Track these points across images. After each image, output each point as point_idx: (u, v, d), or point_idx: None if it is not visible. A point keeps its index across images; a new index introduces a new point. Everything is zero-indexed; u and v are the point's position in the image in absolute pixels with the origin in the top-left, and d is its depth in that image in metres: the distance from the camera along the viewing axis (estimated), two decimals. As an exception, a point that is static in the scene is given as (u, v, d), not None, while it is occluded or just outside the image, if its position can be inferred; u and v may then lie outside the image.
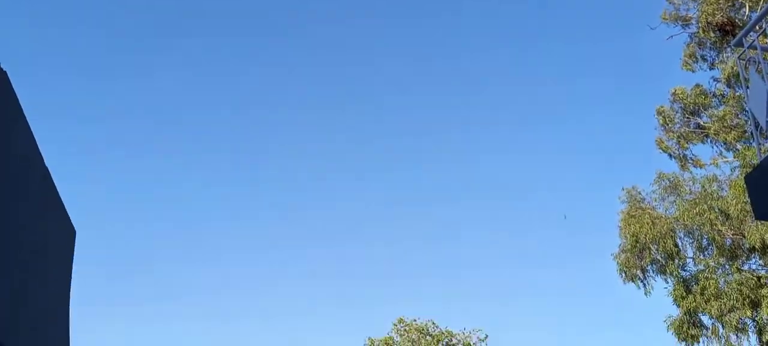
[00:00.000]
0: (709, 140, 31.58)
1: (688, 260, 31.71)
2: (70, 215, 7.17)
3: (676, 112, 32.28)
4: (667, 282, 31.93)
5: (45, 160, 6.30)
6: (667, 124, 32.22)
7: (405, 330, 48.61)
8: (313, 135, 73.03)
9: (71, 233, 7.23)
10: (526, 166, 70.19)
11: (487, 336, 48.20)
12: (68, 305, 6.89)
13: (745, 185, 5.80)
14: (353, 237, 73.68)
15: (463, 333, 48.37)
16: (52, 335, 6.56)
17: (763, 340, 30.01)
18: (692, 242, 31.29)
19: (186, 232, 73.21)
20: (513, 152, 70.78)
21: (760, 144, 6.79)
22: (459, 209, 72.31)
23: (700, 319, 31.58)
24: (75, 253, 7.08)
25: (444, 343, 48.29)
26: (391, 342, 48.70)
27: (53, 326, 6.60)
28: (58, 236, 6.94)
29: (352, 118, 74.41)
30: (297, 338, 71.08)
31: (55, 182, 6.66)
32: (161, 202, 72.82)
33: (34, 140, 6.07)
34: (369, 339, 49.01)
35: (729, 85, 30.61)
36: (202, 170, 73.46)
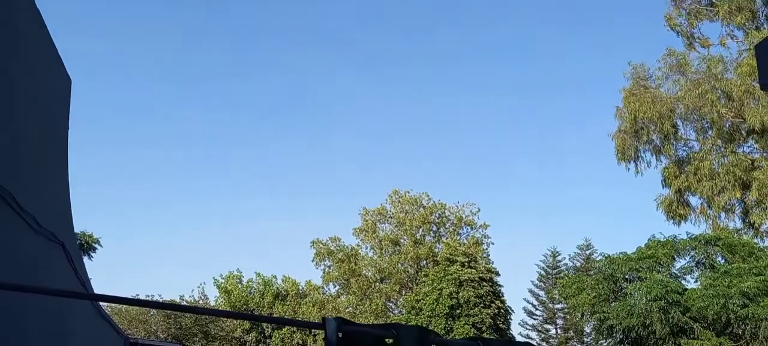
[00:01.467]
0: (717, 20, 30.89)
1: (685, 141, 31.92)
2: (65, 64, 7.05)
3: None
4: (660, 162, 32.29)
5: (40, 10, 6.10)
6: (678, 1, 31.42)
7: (399, 201, 49.66)
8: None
9: (67, 81, 7.13)
10: (531, 33, 69.30)
11: (479, 209, 49.39)
12: (66, 151, 6.89)
13: (754, 54, 5.67)
14: (350, 109, 73.84)
15: (457, 206, 49.55)
16: (52, 178, 6.61)
17: (748, 220, 30.74)
18: (692, 123, 31.37)
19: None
20: (517, 17, 69.63)
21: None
22: (457, 77, 71.96)
23: (689, 199, 32.21)
24: (71, 101, 7.02)
25: (436, 215, 49.48)
26: (384, 212, 49.91)
27: (53, 170, 6.63)
28: (54, 85, 6.84)
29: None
30: (294, 204, 72.77)
31: (49, 31, 6.49)
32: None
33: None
34: (364, 209, 50.28)
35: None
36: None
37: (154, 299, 42.22)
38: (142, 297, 42.74)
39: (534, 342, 47.47)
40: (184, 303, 44.16)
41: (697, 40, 31.31)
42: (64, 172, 6.92)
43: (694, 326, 24.69)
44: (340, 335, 3.91)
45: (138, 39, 70.73)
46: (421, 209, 49.23)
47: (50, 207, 6.53)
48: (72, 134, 7.26)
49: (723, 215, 31.01)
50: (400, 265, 47.80)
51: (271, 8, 71.03)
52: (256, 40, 72.38)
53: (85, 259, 28.12)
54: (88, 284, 8.12)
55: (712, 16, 30.59)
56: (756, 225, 30.02)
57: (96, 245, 31.21)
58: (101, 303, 8.81)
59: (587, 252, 48.53)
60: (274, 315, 44.54)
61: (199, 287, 49.05)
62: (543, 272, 50.87)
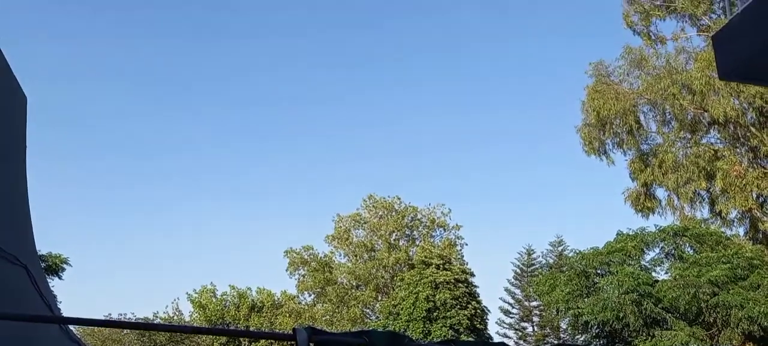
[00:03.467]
0: (674, 16, 31.43)
1: (650, 135, 32.41)
2: (19, 81, 6.87)
3: None
4: (626, 156, 32.75)
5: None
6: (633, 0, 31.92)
7: (373, 206, 49.63)
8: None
9: (22, 100, 6.96)
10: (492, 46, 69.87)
11: (450, 210, 49.55)
12: (25, 171, 6.72)
13: (712, 44, 5.77)
14: (328, 119, 73.62)
15: (428, 208, 49.64)
16: (10, 200, 6.43)
17: (715, 210, 31.32)
18: (655, 116, 31.90)
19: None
20: (478, 35, 70.23)
21: (730, 4, 6.68)
22: (420, 90, 72.28)
23: (656, 192, 32.72)
24: (28, 119, 6.84)
25: (409, 218, 49.55)
26: (358, 218, 49.81)
27: (11, 192, 6.46)
28: (9, 103, 6.67)
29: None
30: (269, 212, 72.28)
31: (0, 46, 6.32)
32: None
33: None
34: (337, 215, 50.11)
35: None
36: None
37: (127, 316, 41.49)
38: (114, 316, 42.11)
39: (510, 341, 47.74)
40: (157, 320, 43.56)
41: (654, 37, 31.88)
42: (24, 192, 6.74)
43: (667, 317, 25.04)
44: (312, 344, 3.87)
45: (90, 41, 69.46)
46: (394, 213, 49.27)
47: (10, 229, 6.35)
48: (33, 153, 7.09)
49: (689, 206, 31.54)
50: (375, 270, 47.73)
51: (237, 9, 70.59)
52: (223, 44, 71.92)
53: (55, 279, 27.55)
54: (54, 305, 7.91)
55: (667, 14, 31.18)
56: (723, 214, 30.60)
57: (65, 265, 30.58)
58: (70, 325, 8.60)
59: (560, 249, 48.94)
60: (251, 328, 44.14)
61: (173, 302, 48.36)
62: (518, 271, 51.16)
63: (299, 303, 48.77)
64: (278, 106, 72.40)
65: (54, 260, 28.94)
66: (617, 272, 26.24)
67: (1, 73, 6.39)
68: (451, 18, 72.18)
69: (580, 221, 71.14)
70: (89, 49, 69.62)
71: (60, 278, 29.78)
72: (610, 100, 30.89)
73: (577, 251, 30.57)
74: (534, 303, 49.06)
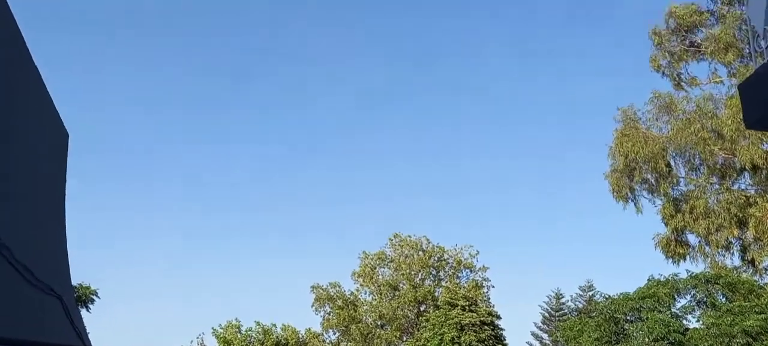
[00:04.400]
0: (703, 60, 31.30)
1: (679, 180, 32.02)
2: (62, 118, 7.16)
3: (672, 31, 31.82)
4: (655, 203, 32.31)
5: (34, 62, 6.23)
6: (662, 44, 31.85)
7: (399, 245, 49.51)
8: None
9: (64, 136, 7.23)
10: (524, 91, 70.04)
11: (478, 252, 49.22)
12: (64, 205, 6.95)
13: (738, 93, 5.80)
14: (352, 155, 74.13)
15: (455, 249, 49.35)
16: (49, 232, 6.65)
17: (747, 258, 30.66)
18: (684, 162, 31.53)
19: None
20: (508, 79, 70.49)
21: (756, 52, 6.72)
22: (455, 131, 72.47)
23: (687, 238, 32.15)
24: (69, 154, 7.10)
25: (436, 258, 49.29)
26: (384, 256, 49.70)
27: (50, 224, 6.68)
28: (52, 139, 6.94)
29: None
30: (297, 250, 72.45)
31: (45, 83, 6.61)
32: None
33: (24, 42, 5.97)
34: (363, 252, 50.07)
35: (728, 2, 30.11)
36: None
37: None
38: (140, 349, 42.53)
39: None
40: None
41: (684, 80, 31.71)
42: (62, 225, 6.97)
43: (699, 366, 24.43)
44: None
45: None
46: (421, 252, 49.07)
47: (47, 260, 6.56)
48: (70, 187, 7.34)
49: (721, 253, 30.94)
50: (399, 310, 47.42)
51: (271, 33, 71.71)
52: (244, 70, 72.96)
53: (84, 311, 27.90)
54: (85, 337, 8.09)
55: (698, 57, 31.03)
56: (755, 263, 29.94)
57: (94, 297, 30.97)
58: (98, 356, 8.76)
59: (589, 293, 48.21)
60: (275, 365, 43.98)
61: (198, 337, 48.52)
62: (546, 315, 50.45)
63: (323, 341, 48.54)
64: (308, 142, 73.14)
65: (84, 291, 29.36)
66: (647, 318, 25.74)
67: (45, 109, 6.67)
68: (475, 60, 72.64)
69: (610, 266, 70.02)
70: (123, 77, 71.36)
71: (88, 309, 30.17)
72: (639, 145, 30.67)
73: (607, 296, 30.09)
74: (561, 349, 48.25)
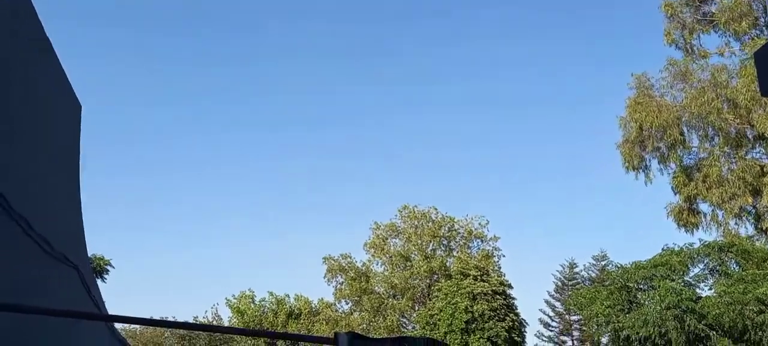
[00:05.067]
0: (716, 31, 30.77)
1: (692, 149, 31.74)
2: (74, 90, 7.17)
3: (684, 2, 31.28)
4: (665, 173, 32.03)
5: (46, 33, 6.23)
6: (675, 15, 31.33)
7: (408, 216, 49.61)
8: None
9: (77, 107, 7.26)
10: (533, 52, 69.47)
11: (488, 222, 49.25)
12: (78, 175, 7.00)
13: (754, 61, 5.69)
14: (363, 126, 74.11)
15: (465, 219, 49.40)
16: (64, 203, 6.71)
17: (761, 226, 30.50)
18: (698, 131, 31.21)
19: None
20: (518, 37, 69.86)
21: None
22: (457, 92, 72.18)
23: (699, 207, 31.97)
24: (82, 127, 7.13)
25: (446, 228, 49.37)
26: (394, 227, 49.83)
27: (65, 195, 6.74)
28: (65, 111, 6.96)
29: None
30: (306, 221, 72.86)
31: (58, 56, 6.61)
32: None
33: (37, 15, 5.96)
34: (375, 223, 50.23)
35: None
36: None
37: (168, 320, 42.15)
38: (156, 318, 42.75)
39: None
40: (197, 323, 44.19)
41: (697, 51, 31.23)
42: (77, 196, 7.02)
43: (711, 334, 24.46)
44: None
45: (142, 63, 71.46)
46: (431, 223, 49.15)
47: (63, 231, 6.63)
48: (84, 158, 7.38)
49: (734, 221, 30.77)
50: (411, 280, 47.68)
51: (277, 24, 71.63)
52: (260, 56, 72.97)
53: (98, 281, 28.24)
54: (102, 306, 8.19)
55: (710, 29, 30.55)
56: (769, 231, 29.79)
57: (108, 267, 31.31)
58: (116, 325, 8.88)
59: (602, 263, 48.23)
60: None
61: (212, 308, 49.07)
62: (559, 283, 50.59)
63: (336, 311, 49.00)
64: (320, 120, 73.12)
65: (98, 261, 29.68)
66: (659, 286, 25.76)
67: (58, 81, 6.68)
68: (491, 43, 72.01)
69: (622, 236, 69.97)
70: (142, 68, 71.55)
71: (103, 280, 30.53)
72: (653, 113, 30.35)
73: (619, 265, 30.08)
74: (574, 317, 48.40)
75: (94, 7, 70.03)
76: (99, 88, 61.21)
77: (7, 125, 5.15)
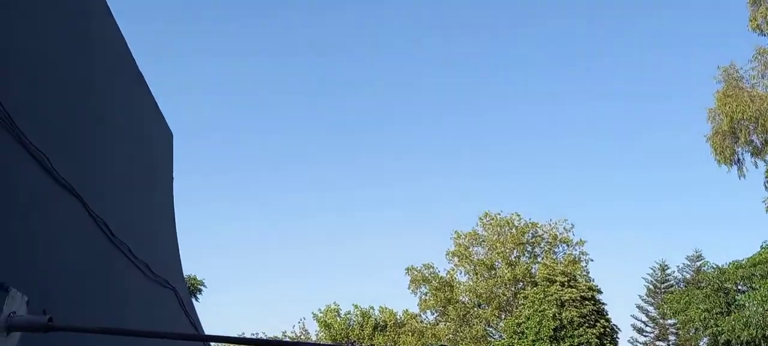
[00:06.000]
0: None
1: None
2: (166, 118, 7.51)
3: None
4: (759, 166, 30.40)
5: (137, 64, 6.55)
6: (759, 2, 29.80)
7: (490, 224, 49.04)
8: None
9: (169, 135, 7.59)
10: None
11: (573, 226, 48.06)
12: (172, 201, 7.31)
13: None
14: (441, 138, 73.99)
15: (549, 224, 48.38)
16: (161, 228, 7.02)
17: None
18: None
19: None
20: (605, 41, 68.11)
21: None
22: (536, 86, 70.90)
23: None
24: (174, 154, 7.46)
25: (529, 234, 48.48)
26: (476, 236, 49.38)
27: (161, 220, 7.05)
28: (158, 140, 7.30)
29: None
30: (389, 231, 73.24)
31: (149, 85, 6.94)
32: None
33: (126, 44, 6.29)
34: (456, 232, 49.93)
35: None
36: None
37: (259, 336, 43.19)
38: (247, 336, 44.24)
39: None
40: (287, 339, 45.10)
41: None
42: (172, 220, 7.33)
43: (821, 335, 23.02)
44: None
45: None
46: (513, 229, 48.41)
47: (161, 255, 6.93)
48: (176, 184, 7.71)
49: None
50: (496, 288, 47.06)
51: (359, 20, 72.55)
52: (340, 56, 74.03)
53: (193, 301, 29.36)
54: (199, 326, 8.50)
55: None
56: None
57: (201, 287, 32.49)
58: (213, 344, 9.20)
59: (697, 263, 46.08)
60: (375, 346, 44.75)
61: (299, 322, 50.03)
62: (651, 287, 48.71)
63: (421, 322, 48.90)
64: (397, 124, 73.51)
65: (191, 281, 30.87)
66: (761, 286, 24.46)
67: (150, 111, 7.02)
68: (564, 32, 70.60)
69: (717, 233, 66.76)
70: (230, 67, 74.04)
71: (197, 299, 31.71)
72: (745, 104, 28.91)
73: (715, 266, 28.77)
74: (669, 321, 46.44)
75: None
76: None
77: (109, 155, 5.46)
